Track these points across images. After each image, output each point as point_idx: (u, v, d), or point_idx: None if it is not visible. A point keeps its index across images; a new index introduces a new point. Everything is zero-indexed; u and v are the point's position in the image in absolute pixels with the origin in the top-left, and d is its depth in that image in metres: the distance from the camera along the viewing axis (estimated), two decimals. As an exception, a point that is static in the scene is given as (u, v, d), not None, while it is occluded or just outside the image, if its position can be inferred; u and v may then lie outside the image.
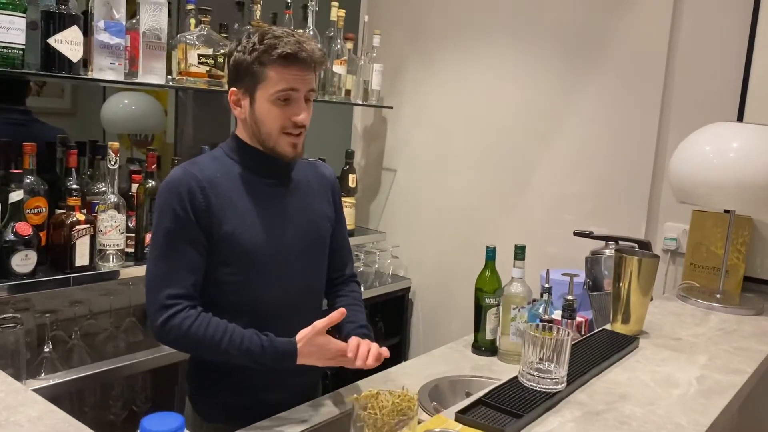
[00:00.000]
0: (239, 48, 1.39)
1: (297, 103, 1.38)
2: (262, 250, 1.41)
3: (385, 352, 1.40)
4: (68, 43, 1.75)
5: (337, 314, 1.36)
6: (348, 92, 2.73)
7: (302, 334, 1.35)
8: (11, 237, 1.70)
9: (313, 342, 1.34)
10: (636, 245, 1.97)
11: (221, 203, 1.38)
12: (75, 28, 1.76)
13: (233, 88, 1.42)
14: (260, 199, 1.44)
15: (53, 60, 1.74)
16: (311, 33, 2.51)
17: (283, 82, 1.35)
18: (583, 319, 1.86)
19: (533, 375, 1.22)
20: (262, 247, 1.41)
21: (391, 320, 3.02)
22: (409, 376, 1.73)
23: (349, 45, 2.70)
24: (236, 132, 1.47)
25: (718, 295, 1.99)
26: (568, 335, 1.22)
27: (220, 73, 2.15)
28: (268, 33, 1.37)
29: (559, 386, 1.22)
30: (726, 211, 2.08)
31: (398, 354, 3.02)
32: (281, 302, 1.45)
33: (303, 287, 1.49)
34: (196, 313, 1.35)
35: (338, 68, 2.65)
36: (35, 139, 1.84)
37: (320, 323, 1.34)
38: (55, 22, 1.73)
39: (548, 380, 1.21)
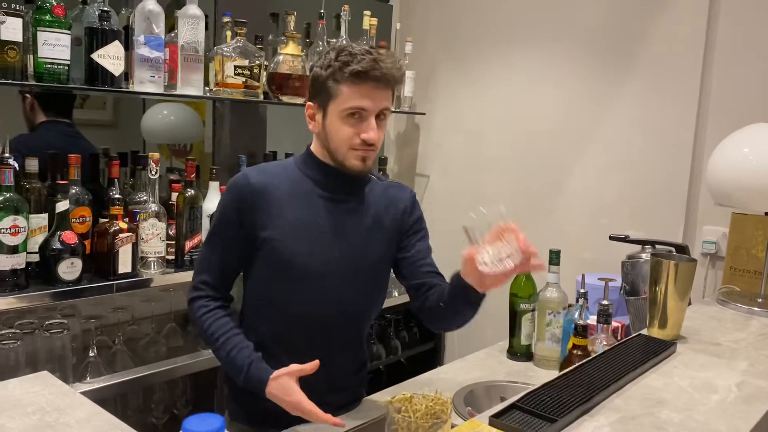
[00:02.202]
0: (318, 63, 1.41)
1: (367, 120, 1.37)
2: (300, 261, 1.42)
3: (336, 422, 1.34)
4: (110, 57, 1.81)
5: (310, 366, 1.34)
6: (381, 99, 2.75)
7: (278, 372, 1.35)
8: (58, 245, 1.76)
9: (280, 381, 1.34)
10: (673, 249, 1.94)
11: (268, 209, 1.41)
12: (117, 43, 1.82)
13: (309, 102, 1.44)
14: (316, 213, 1.44)
15: (96, 74, 1.81)
16: (344, 42, 2.54)
17: (353, 100, 1.35)
18: (620, 324, 1.85)
19: None
20: (300, 257, 1.42)
21: (425, 326, 3.02)
22: (444, 382, 1.74)
23: (382, 53, 2.72)
24: (311, 145, 1.49)
25: (759, 300, 1.94)
26: None
27: (256, 83, 2.20)
28: (345, 50, 1.37)
29: None
30: (767, 214, 2.03)
31: (433, 359, 3.02)
32: (312, 316, 1.44)
33: (338, 306, 1.46)
34: (213, 306, 1.45)
35: (371, 76, 2.68)
36: (80, 151, 1.91)
37: (295, 367, 1.34)
38: (98, 37, 1.80)
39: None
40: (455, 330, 1.58)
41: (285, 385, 1.34)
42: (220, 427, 0.73)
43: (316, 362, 1.34)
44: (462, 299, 1.39)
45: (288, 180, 1.45)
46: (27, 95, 2.17)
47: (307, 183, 1.46)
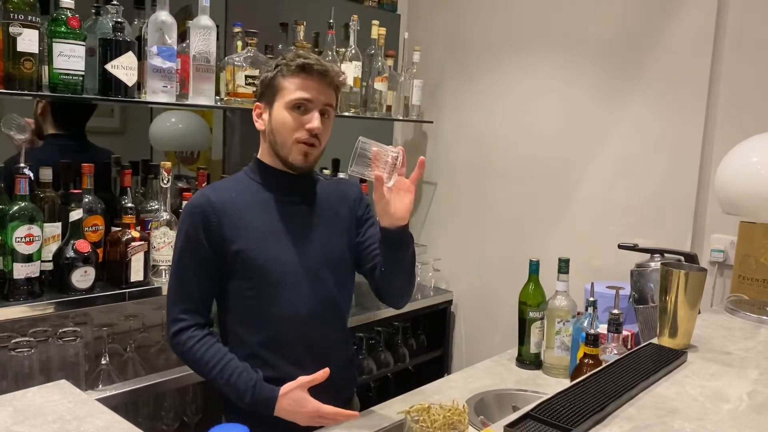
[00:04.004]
0: (266, 69, 1.51)
1: (311, 113, 1.46)
2: (276, 265, 1.47)
3: (355, 414, 1.48)
4: (124, 68, 1.83)
5: (321, 374, 1.41)
6: (389, 108, 2.77)
7: (286, 387, 1.40)
8: (71, 254, 1.78)
9: (292, 396, 1.39)
10: (682, 258, 1.94)
11: (234, 222, 1.46)
12: (130, 53, 1.84)
13: (257, 103, 1.53)
14: (277, 217, 1.50)
15: (110, 84, 1.83)
16: (353, 52, 2.57)
17: (298, 91, 1.44)
18: (629, 333, 1.85)
19: None
20: (275, 262, 1.47)
21: (433, 333, 3.04)
22: (454, 390, 1.74)
23: (390, 62, 2.74)
24: (258, 155, 1.56)
25: (768, 308, 1.95)
26: None
27: (267, 93, 2.21)
28: (291, 52, 1.49)
29: None
30: (775, 223, 2.04)
31: (441, 367, 3.03)
32: (298, 316, 1.49)
33: (320, 302, 1.52)
34: (201, 335, 1.45)
35: (379, 85, 2.70)
36: (92, 161, 1.92)
37: (304, 379, 1.40)
38: (111, 48, 1.81)
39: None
40: (407, 300, 1.62)
41: (297, 397, 1.38)
42: (246, 437, 0.74)
43: (326, 370, 1.41)
44: (386, 246, 1.45)
45: (243, 191, 1.52)
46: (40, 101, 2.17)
47: (261, 191, 1.52)
